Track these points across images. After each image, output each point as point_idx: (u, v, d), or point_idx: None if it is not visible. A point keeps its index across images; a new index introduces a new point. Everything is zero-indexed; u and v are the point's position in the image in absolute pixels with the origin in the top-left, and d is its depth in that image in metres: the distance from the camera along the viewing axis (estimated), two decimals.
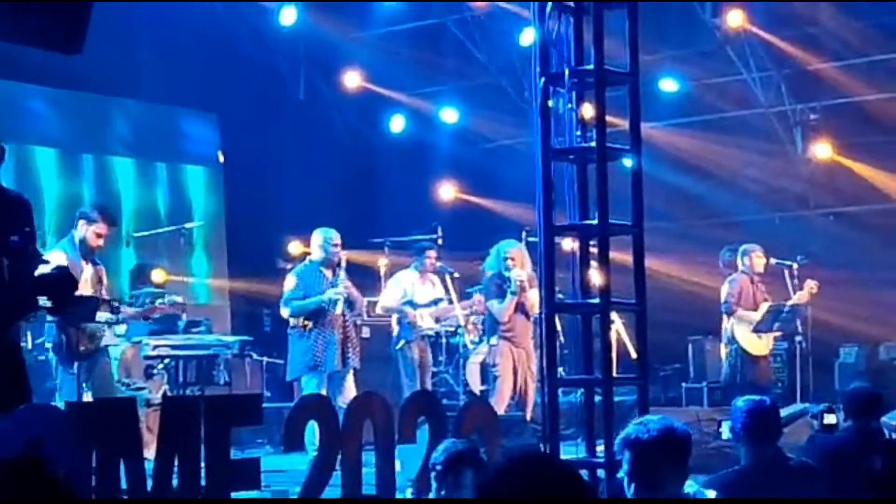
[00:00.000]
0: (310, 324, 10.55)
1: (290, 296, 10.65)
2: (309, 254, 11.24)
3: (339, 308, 10.52)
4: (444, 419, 6.92)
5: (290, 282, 10.74)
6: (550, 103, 7.07)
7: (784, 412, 10.12)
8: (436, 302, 12.69)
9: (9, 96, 14.33)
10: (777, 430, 6.07)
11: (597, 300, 6.97)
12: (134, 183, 15.63)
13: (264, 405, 7.59)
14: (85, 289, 9.17)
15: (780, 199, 16.63)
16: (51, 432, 6.23)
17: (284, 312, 10.79)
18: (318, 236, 10.84)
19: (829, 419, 8.88)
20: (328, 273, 10.66)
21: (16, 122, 14.06)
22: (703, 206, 16.31)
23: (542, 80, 7.00)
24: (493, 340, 11.13)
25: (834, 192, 16.23)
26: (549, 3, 6.97)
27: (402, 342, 12.30)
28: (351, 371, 10.66)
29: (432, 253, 12.71)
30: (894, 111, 15.38)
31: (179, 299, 11.62)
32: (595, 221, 6.90)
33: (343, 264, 10.83)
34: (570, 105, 7.15)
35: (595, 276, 7.06)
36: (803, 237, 15.39)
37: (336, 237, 10.75)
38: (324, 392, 9.93)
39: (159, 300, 11.18)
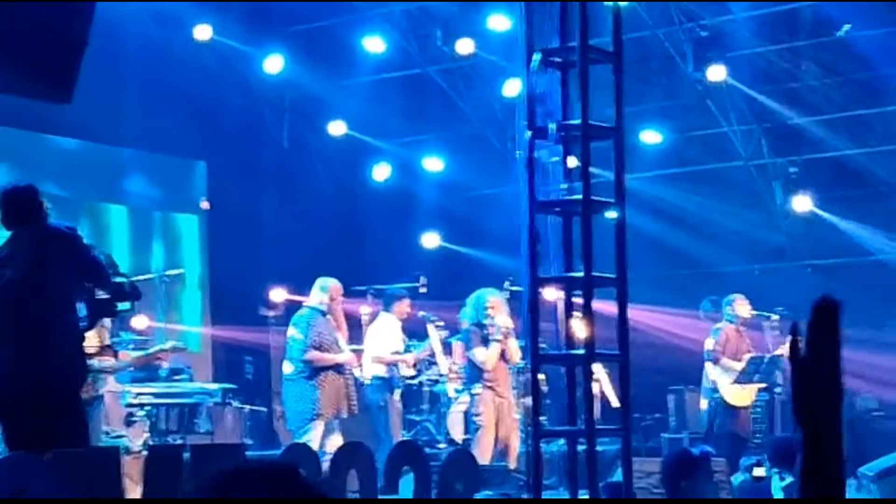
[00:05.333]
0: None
1: (307, 343, 10.67)
2: (295, 302, 11.32)
3: (358, 373, 10.77)
4: (429, 469, 6.96)
5: (300, 329, 10.76)
6: (536, 156, 7.15)
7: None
8: (408, 348, 12.79)
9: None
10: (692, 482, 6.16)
11: (581, 351, 7.02)
12: (117, 229, 15.63)
13: (247, 454, 7.60)
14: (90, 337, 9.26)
15: (760, 251, 16.76)
16: (35, 481, 6.25)
17: (297, 360, 10.79)
18: (319, 284, 10.91)
19: (759, 472, 9.12)
20: (332, 321, 10.79)
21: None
22: (684, 256, 16.41)
23: (529, 133, 7.09)
24: (477, 389, 11.15)
25: (812, 244, 16.38)
26: (536, 58, 7.06)
27: (397, 391, 12.38)
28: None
29: (407, 301, 12.75)
30: (872, 166, 15.56)
31: (180, 344, 11.58)
32: (580, 273, 6.96)
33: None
34: (555, 158, 7.24)
35: (579, 328, 7.11)
36: (782, 289, 15.49)
37: (337, 288, 10.88)
38: (317, 442, 10.02)
39: (160, 345, 11.13)
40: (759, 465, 9.34)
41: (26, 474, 6.34)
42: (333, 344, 10.76)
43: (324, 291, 10.82)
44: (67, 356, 6.79)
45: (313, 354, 10.64)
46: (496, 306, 11.11)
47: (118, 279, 7.18)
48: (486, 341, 11.06)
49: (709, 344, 12.47)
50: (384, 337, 12.57)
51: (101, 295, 7.02)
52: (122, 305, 7.18)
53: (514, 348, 10.97)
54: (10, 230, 7.02)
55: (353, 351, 11.89)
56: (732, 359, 12.37)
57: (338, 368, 10.72)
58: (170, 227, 16.40)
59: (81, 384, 7.18)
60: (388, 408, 12.32)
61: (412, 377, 12.99)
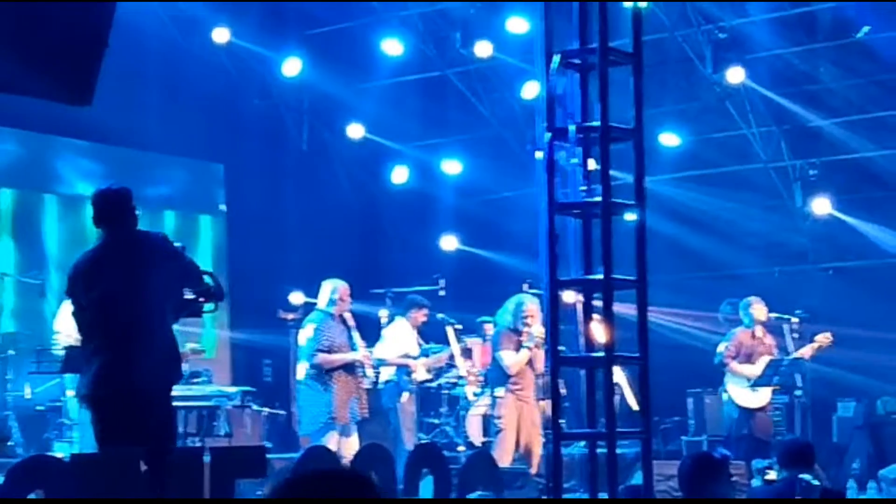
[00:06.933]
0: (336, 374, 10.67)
1: (315, 346, 10.67)
2: (313, 304, 11.31)
3: (371, 373, 10.72)
4: (448, 472, 6.95)
5: (310, 332, 10.76)
6: (555, 158, 7.13)
7: None
8: (425, 353, 12.78)
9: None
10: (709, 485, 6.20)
11: (601, 354, 6.99)
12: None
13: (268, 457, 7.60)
14: None
15: (780, 254, 16.69)
16: (53, 484, 6.27)
17: (305, 366, 10.77)
18: (328, 286, 10.92)
19: (771, 475, 9.13)
20: (348, 320, 10.82)
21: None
22: (704, 259, 16.34)
23: (548, 135, 7.06)
24: (500, 392, 11.13)
25: (833, 247, 16.31)
26: (555, 59, 7.04)
27: (406, 395, 12.36)
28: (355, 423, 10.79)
29: (424, 311, 12.74)
30: (893, 167, 15.49)
31: (199, 346, 11.58)
32: (599, 276, 6.94)
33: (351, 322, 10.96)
34: (574, 160, 7.22)
35: (598, 330, 7.08)
36: (803, 291, 15.43)
37: (346, 290, 10.88)
38: (334, 446, 10.01)
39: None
40: (770, 468, 9.39)
41: (44, 477, 6.36)
42: (344, 344, 10.77)
43: (332, 293, 10.85)
44: (165, 359, 6.83)
45: (322, 357, 10.64)
46: (534, 315, 11.07)
47: (205, 278, 7.19)
48: (515, 347, 11.06)
49: (720, 349, 12.46)
50: (396, 341, 12.58)
51: (187, 294, 7.02)
52: (207, 306, 7.14)
53: (542, 358, 10.95)
54: (99, 228, 7.03)
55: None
56: (746, 363, 12.33)
57: (349, 369, 10.70)
58: (189, 230, 16.41)
59: (177, 383, 7.25)
60: (398, 411, 12.33)
61: (429, 380, 12.99)
